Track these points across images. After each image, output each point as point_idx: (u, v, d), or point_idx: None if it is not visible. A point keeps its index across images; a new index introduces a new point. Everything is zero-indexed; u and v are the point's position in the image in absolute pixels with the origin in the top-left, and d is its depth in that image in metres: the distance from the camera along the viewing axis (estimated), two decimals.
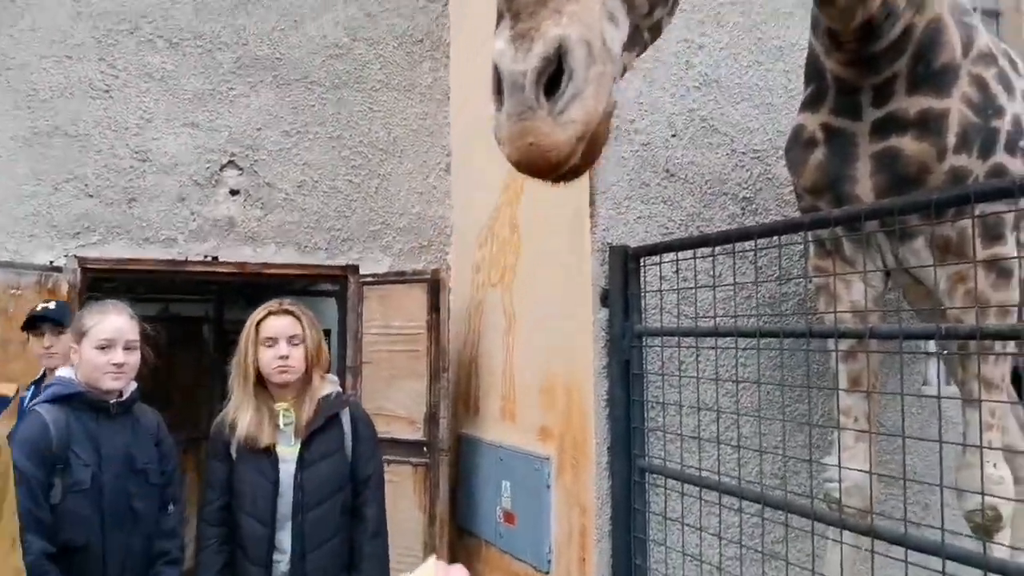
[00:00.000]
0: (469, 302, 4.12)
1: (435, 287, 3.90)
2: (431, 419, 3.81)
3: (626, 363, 2.58)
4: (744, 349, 2.74)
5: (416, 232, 4.50)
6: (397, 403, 3.94)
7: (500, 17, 1.13)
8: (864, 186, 2.10)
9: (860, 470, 2.07)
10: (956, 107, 2.02)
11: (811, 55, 2.23)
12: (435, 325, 3.86)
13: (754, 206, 3.02)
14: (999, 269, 2.05)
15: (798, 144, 2.27)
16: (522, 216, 3.48)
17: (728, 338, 2.50)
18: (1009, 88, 2.14)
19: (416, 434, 3.84)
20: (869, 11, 1.94)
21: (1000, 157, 2.05)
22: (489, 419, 3.80)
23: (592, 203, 2.79)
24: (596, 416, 2.68)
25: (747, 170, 3.03)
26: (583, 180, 2.76)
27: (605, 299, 2.67)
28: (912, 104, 2.03)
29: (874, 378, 2.23)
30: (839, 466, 2.01)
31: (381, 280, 4.20)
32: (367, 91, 4.47)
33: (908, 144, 2.02)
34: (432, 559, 0.77)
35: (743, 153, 3.03)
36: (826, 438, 2.72)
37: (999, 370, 2.10)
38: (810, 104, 2.25)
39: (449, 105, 4.59)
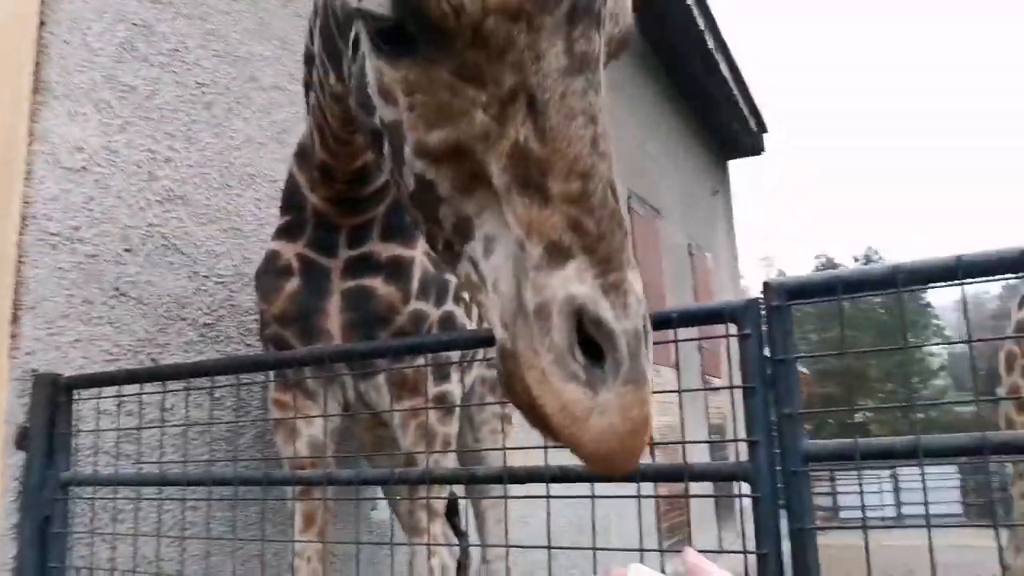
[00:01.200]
0: None
1: None
2: None
3: (45, 519, 2.10)
4: (193, 500, 2.48)
5: None
6: None
7: (562, 252, 0.90)
8: (334, 321, 2.12)
9: None
10: (419, 257, 2.21)
11: (292, 186, 2.21)
12: None
13: (215, 333, 2.84)
14: (446, 405, 2.25)
15: (272, 271, 2.21)
16: None
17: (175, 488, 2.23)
18: None
19: None
20: (366, 157, 2.02)
21: (449, 306, 2.28)
22: None
23: (14, 320, 2.29)
24: None
25: (210, 295, 2.86)
26: (2, 290, 2.27)
27: (23, 440, 2.17)
28: (384, 249, 2.15)
29: (330, 515, 2.20)
30: None
31: None
32: None
33: (380, 285, 2.12)
34: None
35: (206, 277, 2.86)
36: None
37: (442, 503, 2.27)
38: (287, 233, 2.22)
39: None
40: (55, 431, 2.13)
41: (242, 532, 2.59)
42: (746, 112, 12.02)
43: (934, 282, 1.46)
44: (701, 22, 9.18)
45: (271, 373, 2.23)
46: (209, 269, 2.88)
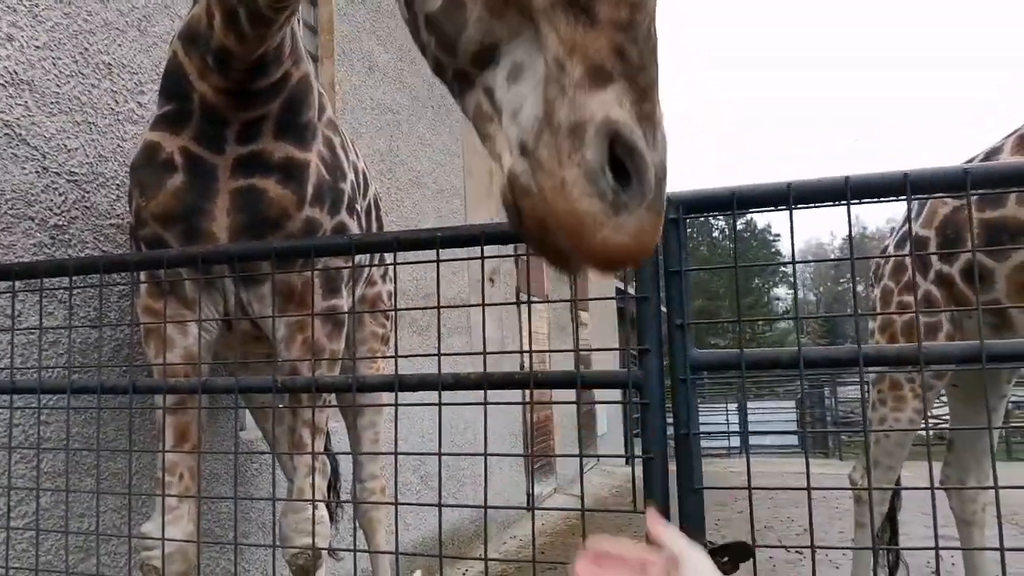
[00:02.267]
0: None
1: None
2: None
3: None
4: (50, 408, 2.29)
5: None
6: None
7: (604, 75, 0.89)
8: (220, 223, 1.97)
9: (183, 540, 1.88)
10: (315, 161, 2.07)
11: (176, 70, 1.99)
12: None
13: (67, 236, 2.59)
14: (335, 320, 2.15)
15: (152, 164, 2.00)
16: None
17: (30, 395, 2.04)
18: (347, 155, 2.31)
19: None
20: (271, 43, 1.86)
21: (343, 216, 2.17)
22: None
23: None
24: None
25: (60, 194, 2.59)
26: None
27: None
28: (277, 149, 2.01)
29: (202, 431, 2.08)
30: (162, 538, 1.78)
31: None
32: None
33: (272, 187, 1.98)
34: None
35: (56, 173, 2.59)
36: (149, 502, 2.45)
37: (324, 416, 2.19)
38: (169, 123, 2.01)
39: None
40: None
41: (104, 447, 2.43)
42: None
43: (824, 201, 1.51)
44: None
45: (141, 276, 2.05)
46: (60, 165, 2.60)
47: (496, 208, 7.30)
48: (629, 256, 0.92)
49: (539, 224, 0.91)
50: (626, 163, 0.89)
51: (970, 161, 3.18)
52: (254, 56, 1.86)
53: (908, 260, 3.33)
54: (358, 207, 2.38)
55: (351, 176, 2.33)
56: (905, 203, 1.47)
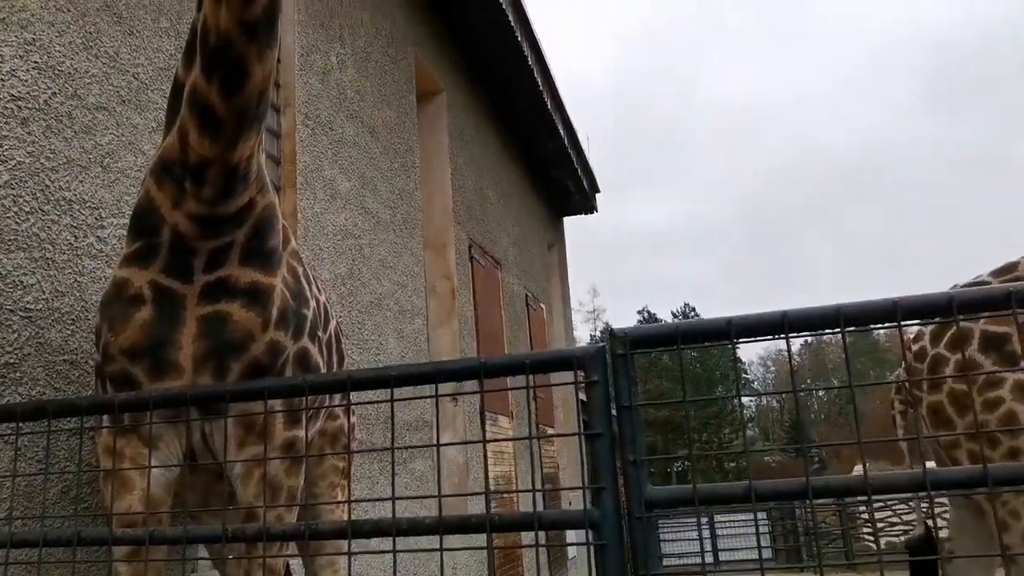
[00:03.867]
0: None
1: None
2: None
3: None
4: None
5: None
6: None
7: None
8: (186, 352, 1.99)
9: None
10: (280, 287, 2.12)
11: (147, 206, 2.05)
12: None
13: (18, 374, 2.54)
14: (294, 453, 2.12)
15: (121, 300, 2.04)
16: None
17: None
18: (310, 287, 2.37)
19: None
20: (243, 154, 1.92)
21: (305, 342, 2.20)
22: None
23: None
24: None
25: (14, 331, 2.56)
26: None
27: None
28: (243, 274, 2.06)
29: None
30: None
31: None
32: None
33: (237, 311, 2.02)
34: None
35: (11, 311, 2.57)
36: None
37: (280, 562, 2.11)
38: (138, 259, 2.06)
39: None
40: None
41: None
42: (580, 173, 12.60)
43: (763, 335, 1.57)
44: (540, 82, 9.57)
45: (104, 419, 2.03)
46: (15, 302, 2.58)
47: (458, 327, 7.33)
48: None
49: None
50: None
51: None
52: (232, 161, 1.91)
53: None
54: (320, 335, 2.40)
55: (313, 304, 2.38)
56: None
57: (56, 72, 2.96)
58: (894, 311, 1.31)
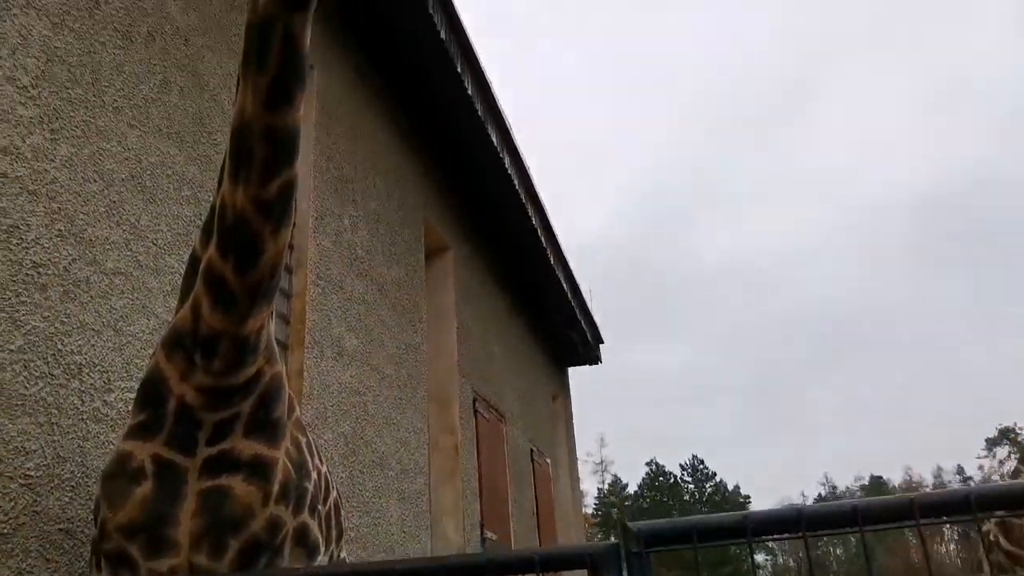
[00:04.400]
0: None
1: None
2: None
3: None
4: None
5: None
6: None
7: None
8: (184, 528, 1.94)
9: None
10: (283, 459, 2.09)
11: (155, 378, 2.06)
12: None
13: (9, 545, 2.47)
14: None
15: (123, 475, 2.01)
16: None
17: None
18: (312, 456, 2.35)
19: None
20: (254, 326, 1.94)
21: (305, 517, 2.16)
22: None
23: None
24: None
25: (11, 499, 2.51)
26: None
27: None
28: (247, 447, 2.04)
29: None
30: None
31: None
32: None
33: (238, 484, 1.99)
34: None
35: (10, 478, 2.53)
36: None
37: None
38: (143, 431, 2.04)
39: None
40: None
41: None
42: (583, 325, 12.73)
43: (779, 533, 1.51)
44: (543, 239, 9.86)
45: None
46: (15, 469, 2.55)
47: (461, 486, 7.16)
48: None
49: None
50: None
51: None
52: (243, 334, 1.93)
53: None
54: (319, 509, 2.36)
55: (314, 476, 2.34)
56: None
57: (78, 239, 3.07)
58: (910, 509, 1.29)
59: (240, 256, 1.88)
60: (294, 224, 4.41)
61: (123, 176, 3.42)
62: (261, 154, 1.83)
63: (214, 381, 2.00)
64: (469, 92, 7.11)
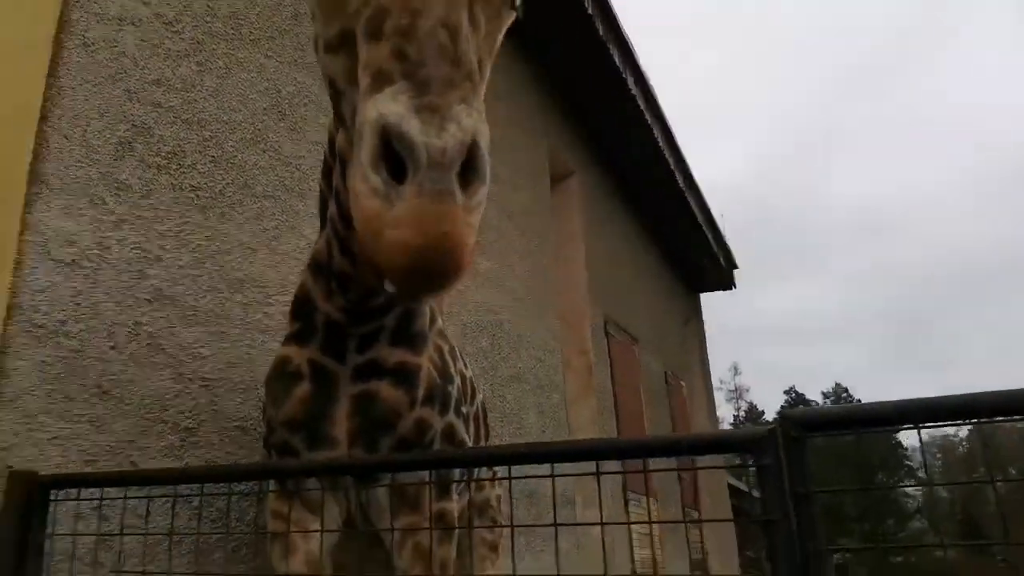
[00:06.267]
0: None
1: None
2: None
3: None
4: None
5: None
6: None
7: (385, 78, 0.93)
8: (341, 427, 2.07)
9: None
10: (426, 365, 2.17)
11: (304, 297, 2.18)
12: None
13: (195, 438, 2.73)
14: (444, 525, 2.14)
15: (283, 376, 2.16)
16: None
17: None
18: (455, 363, 2.43)
19: None
20: None
21: (451, 417, 2.24)
22: None
23: None
24: None
25: (193, 398, 2.76)
26: None
27: None
28: (391, 355, 2.12)
29: None
30: None
31: None
32: None
33: (385, 389, 2.08)
34: None
35: (190, 379, 2.78)
36: None
37: None
38: (298, 339, 2.18)
39: None
40: (30, 534, 1.97)
41: None
42: (715, 248, 12.39)
43: (951, 420, 1.37)
44: (671, 160, 9.61)
45: (270, 482, 2.14)
46: (194, 372, 2.79)
47: (596, 404, 7.25)
48: (418, 253, 0.85)
49: (361, 241, 0.90)
50: (400, 152, 0.86)
51: None
52: (370, 281, 2.01)
53: None
54: (464, 410, 2.44)
55: (457, 380, 2.41)
56: None
57: (229, 164, 3.26)
58: None
59: None
60: None
61: (265, 106, 3.58)
62: None
63: (352, 306, 2.09)
64: (589, 11, 6.94)
